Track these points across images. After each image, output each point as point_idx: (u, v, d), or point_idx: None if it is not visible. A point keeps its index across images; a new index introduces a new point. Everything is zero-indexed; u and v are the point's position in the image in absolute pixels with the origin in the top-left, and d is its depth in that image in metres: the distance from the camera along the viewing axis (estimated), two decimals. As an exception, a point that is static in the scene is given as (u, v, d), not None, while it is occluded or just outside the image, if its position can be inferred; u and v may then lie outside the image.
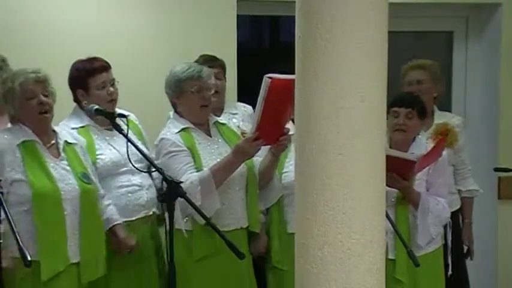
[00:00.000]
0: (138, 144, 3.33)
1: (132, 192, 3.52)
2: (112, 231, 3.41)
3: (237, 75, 4.59)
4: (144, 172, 3.42)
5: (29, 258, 2.55)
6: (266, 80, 3.22)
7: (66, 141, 3.32)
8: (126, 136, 3.16)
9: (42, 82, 3.22)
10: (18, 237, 2.58)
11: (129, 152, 3.23)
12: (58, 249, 3.14)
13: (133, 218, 3.51)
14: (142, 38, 4.55)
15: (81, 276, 3.21)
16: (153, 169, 3.11)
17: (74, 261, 3.20)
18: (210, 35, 4.59)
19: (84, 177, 3.27)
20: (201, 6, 4.64)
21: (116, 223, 3.41)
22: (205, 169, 3.34)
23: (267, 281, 3.69)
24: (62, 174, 3.21)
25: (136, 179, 3.54)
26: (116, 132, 3.39)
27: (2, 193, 2.71)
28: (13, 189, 3.11)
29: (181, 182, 3.03)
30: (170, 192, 2.94)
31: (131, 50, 4.49)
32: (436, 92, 4.15)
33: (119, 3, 4.56)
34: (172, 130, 3.47)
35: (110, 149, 3.52)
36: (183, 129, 3.47)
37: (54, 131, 3.33)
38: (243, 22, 5.02)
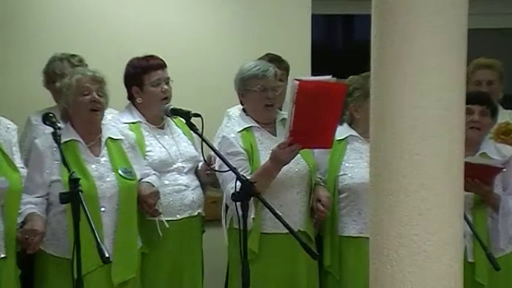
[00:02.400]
0: (184, 145, 3.36)
1: (177, 192, 3.54)
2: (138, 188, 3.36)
3: (311, 75, 4.57)
4: (217, 171, 3.43)
5: (106, 255, 2.59)
6: (294, 83, 3.17)
7: (110, 138, 3.34)
8: (201, 135, 3.18)
9: (99, 82, 3.27)
10: (96, 235, 2.63)
11: (177, 152, 3.25)
12: (93, 248, 3.13)
13: (177, 218, 3.53)
14: (216, 38, 4.59)
15: (113, 277, 3.21)
16: (227, 168, 3.12)
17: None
18: (284, 35, 4.59)
19: (125, 173, 3.28)
20: (275, 5, 4.65)
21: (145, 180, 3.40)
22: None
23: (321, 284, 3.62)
24: (102, 172, 3.24)
25: (184, 179, 3.55)
26: (165, 131, 3.45)
27: (81, 191, 2.76)
28: (52, 190, 3.17)
29: (255, 182, 3.03)
30: (243, 191, 2.95)
31: (204, 50, 4.54)
32: (501, 92, 4.08)
33: (194, 4, 4.61)
34: (235, 128, 3.48)
35: (159, 147, 3.55)
36: (245, 129, 3.46)
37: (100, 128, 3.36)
38: (317, 21, 5.00)
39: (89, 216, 2.69)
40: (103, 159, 3.28)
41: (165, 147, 3.54)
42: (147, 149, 3.52)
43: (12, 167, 3.10)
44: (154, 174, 3.47)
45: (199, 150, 3.41)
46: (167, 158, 3.52)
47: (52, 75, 3.85)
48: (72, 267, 2.72)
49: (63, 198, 2.80)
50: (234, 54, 4.46)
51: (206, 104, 3.83)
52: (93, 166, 3.23)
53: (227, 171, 3.11)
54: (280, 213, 3.25)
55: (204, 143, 3.20)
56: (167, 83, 3.59)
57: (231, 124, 3.53)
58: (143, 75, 3.55)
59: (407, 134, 2.05)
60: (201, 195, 3.62)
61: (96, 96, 3.24)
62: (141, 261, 3.37)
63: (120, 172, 3.26)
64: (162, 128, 3.59)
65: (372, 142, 2.16)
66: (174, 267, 3.53)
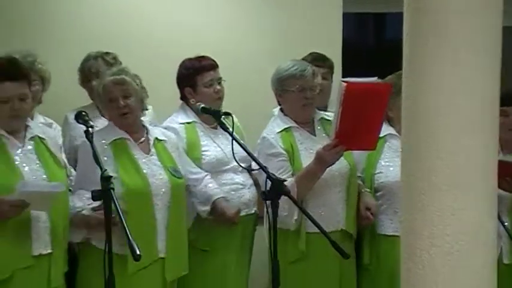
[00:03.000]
0: (242, 143, 3.36)
1: (234, 190, 3.57)
2: (214, 205, 3.43)
3: (342, 75, 4.55)
4: (249, 170, 3.44)
5: (138, 252, 2.60)
6: (342, 84, 3.17)
7: (156, 138, 3.38)
8: (231, 134, 3.19)
9: (121, 84, 3.29)
10: (128, 232, 2.65)
11: (230, 151, 3.25)
12: (147, 243, 3.16)
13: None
14: (248, 37, 4.59)
15: (166, 272, 3.24)
16: (257, 167, 3.12)
17: (161, 255, 3.24)
18: (315, 33, 4.58)
19: (174, 171, 3.31)
20: (306, 4, 4.63)
21: (216, 197, 3.44)
22: (291, 178, 3.31)
23: (359, 281, 3.62)
24: (153, 170, 3.27)
25: (239, 177, 3.58)
26: (219, 131, 3.45)
27: (113, 189, 2.78)
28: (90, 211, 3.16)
29: (285, 180, 3.03)
30: (274, 190, 2.95)
31: (236, 50, 4.54)
32: None
33: (225, 3, 4.62)
34: (274, 129, 3.48)
35: (215, 147, 3.58)
36: (285, 129, 3.46)
37: (144, 126, 3.40)
38: (348, 20, 4.98)
39: (121, 214, 2.70)
40: (153, 157, 3.32)
41: (220, 147, 3.58)
42: (203, 148, 3.57)
43: (58, 164, 3.14)
44: (211, 183, 3.50)
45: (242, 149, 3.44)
46: (223, 157, 3.55)
47: (87, 74, 3.90)
48: (104, 264, 2.73)
49: (95, 195, 2.82)
50: (265, 53, 4.47)
51: (238, 103, 3.84)
52: (145, 164, 3.27)
53: (257, 169, 3.11)
54: (322, 213, 3.30)
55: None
56: (219, 83, 3.63)
57: (271, 125, 3.52)
58: (196, 76, 3.59)
59: (440, 132, 2.03)
60: (255, 194, 3.65)
61: (121, 102, 3.27)
62: (202, 259, 3.42)
63: (170, 170, 3.30)
64: (215, 128, 3.61)
65: (404, 141, 2.15)
66: (236, 265, 3.57)
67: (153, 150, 3.34)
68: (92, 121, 3.09)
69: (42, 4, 4.45)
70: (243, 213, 3.58)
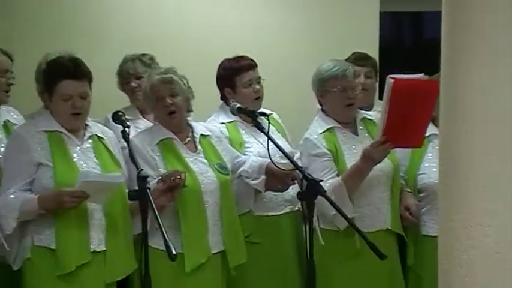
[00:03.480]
0: (279, 142, 3.35)
1: None
2: (268, 168, 3.40)
3: (379, 74, 4.52)
4: (287, 170, 3.43)
5: (174, 251, 2.62)
6: (389, 81, 3.13)
7: (201, 135, 3.41)
8: (267, 134, 3.19)
9: (169, 83, 3.32)
10: (164, 231, 2.66)
11: (274, 148, 3.23)
12: (200, 241, 3.22)
13: (279, 213, 3.58)
14: (284, 36, 4.59)
15: (230, 262, 3.30)
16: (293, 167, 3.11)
17: (216, 251, 3.28)
18: (351, 33, 4.55)
19: (221, 168, 3.34)
20: (343, 3, 4.61)
21: (268, 162, 3.41)
22: (337, 178, 3.30)
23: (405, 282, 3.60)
24: (201, 168, 3.30)
25: None
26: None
27: (149, 188, 2.80)
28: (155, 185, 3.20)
29: (321, 181, 3.01)
30: (310, 190, 2.94)
31: (273, 49, 4.54)
32: None
33: (260, 2, 4.62)
34: (317, 130, 3.47)
35: (257, 144, 3.60)
36: (327, 130, 3.45)
37: (189, 124, 3.42)
38: (385, 19, 4.94)
39: (157, 213, 2.72)
40: (200, 155, 3.35)
41: (262, 144, 3.58)
42: (246, 145, 3.59)
43: (116, 163, 3.19)
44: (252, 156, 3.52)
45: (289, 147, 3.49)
46: (266, 153, 3.55)
47: (125, 76, 3.93)
48: (140, 263, 2.74)
49: (132, 195, 2.84)
50: (301, 53, 4.46)
51: (274, 104, 3.84)
52: (194, 162, 3.31)
53: (293, 169, 3.10)
54: (368, 213, 3.30)
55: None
56: (259, 83, 3.64)
57: (313, 125, 3.51)
58: (235, 77, 3.61)
59: (478, 133, 2.00)
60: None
61: (168, 101, 3.30)
62: (252, 251, 3.44)
63: (217, 167, 3.33)
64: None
65: (441, 141, 2.12)
66: (276, 260, 3.56)
67: (199, 148, 3.37)
68: (128, 121, 3.12)
69: (81, 7, 4.50)
70: (286, 210, 3.59)
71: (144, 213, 2.79)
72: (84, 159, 3.09)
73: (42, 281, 3.01)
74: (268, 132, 3.19)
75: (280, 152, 3.29)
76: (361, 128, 3.52)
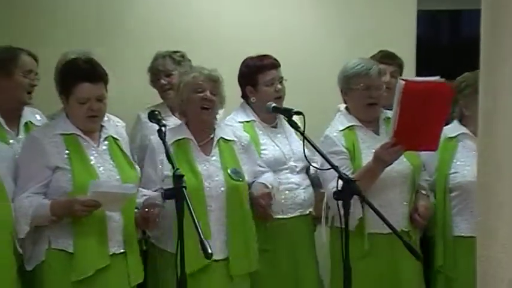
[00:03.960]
0: (297, 144, 3.35)
1: (289, 190, 3.56)
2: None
3: (415, 73, 4.48)
4: (318, 168, 3.40)
5: (209, 251, 2.61)
6: (400, 83, 3.12)
7: (222, 138, 3.39)
8: (302, 133, 3.18)
9: (214, 81, 3.33)
10: (200, 231, 2.66)
11: (290, 151, 3.24)
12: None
13: (289, 216, 3.56)
14: (321, 36, 4.57)
15: (231, 270, 3.25)
16: (328, 166, 3.09)
17: (221, 257, 3.24)
18: (388, 31, 4.52)
19: (234, 174, 3.31)
20: (379, 1, 4.58)
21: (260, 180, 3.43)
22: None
23: (430, 284, 3.56)
24: (211, 171, 3.29)
25: (296, 177, 3.57)
26: (278, 130, 3.46)
27: (185, 187, 2.80)
28: (164, 185, 3.22)
29: (357, 180, 2.99)
30: (346, 190, 2.92)
31: (307, 48, 4.54)
32: None
33: (294, 2, 4.62)
34: (337, 127, 3.46)
35: (273, 146, 3.58)
36: (348, 127, 3.43)
37: (214, 128, 3.41)
38: (422, 17, 4.90)
39: (193, 213, 2.71)
40: (213, 158, 3.34)
41: (278, 146, 3.57)
42: (262, 147, 3.58)
43: (130, 165, 3.21)
44: (269, 172, 3.51)
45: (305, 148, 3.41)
46: (281, 156, 3.55)
47: (156, 73, 3.95)
48: (176, 264, 2.74)
49: (167, 194, 2.85)
50: (338, 51, 4.44)
51: (309, 103, 3.83)
52: (203, 165, 3.30)
53: (329, 169, 3.09)
54: (383, 213, 3.21)
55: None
56: (281, 82, 3.63)
57: (334, 122, 3.50)
58: (257, 75, 3.60)
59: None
60: (311, 194, 3.64)
61: (209, 95, 3.30)
62: (263, 257, 3.42)
63: (229, 172, 3.31)
64: (275, 127, 3.63)
65: (480, 140, 2.09)
66: (288, 265, 3.55)
67: (214, 150, 3.36)
68: (165, 120, 3.13)
69: (112, 4, 4.52)
70: (296, 214, 3.58)
71: (180, 212, 2.78)
72: (101, 162, 3.09)
73: (59, 284, 3.00)
74: (304, 131, 3.18)
75: (296, 155, 3.29)
76: (383, 127, 3.49)
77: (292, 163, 3.55)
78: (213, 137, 3.38)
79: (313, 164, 3.31)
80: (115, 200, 2.98)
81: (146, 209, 3.07)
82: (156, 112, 3.13)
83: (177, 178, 2.79)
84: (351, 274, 2.87)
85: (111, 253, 3.03)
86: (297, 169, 3.59)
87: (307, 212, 3.62)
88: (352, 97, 3.46)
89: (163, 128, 3.04)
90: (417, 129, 3.16)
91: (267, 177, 3.48)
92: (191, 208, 2.72)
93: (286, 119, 3.32)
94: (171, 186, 2.97)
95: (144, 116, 3.62)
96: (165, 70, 3.92)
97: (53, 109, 3.58)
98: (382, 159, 3.22)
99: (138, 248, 3.19)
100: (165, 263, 3.24)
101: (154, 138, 3.28)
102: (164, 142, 2.99)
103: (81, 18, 4.47)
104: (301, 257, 3.59)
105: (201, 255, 2.87)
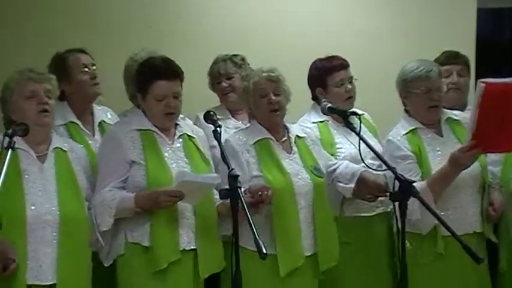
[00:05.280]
0: (371, 143, 3.31)
1: None
2: (362, 177, 3.42)
3: (475, 72, 4.40)
4: (378, 170, 3.38)
5: (264, 250, 2.60)
6: (480, 85, 3.07)
7: (297, 136, 3.41)
8: (358, 134, 3.15)
9: (274, 81, 3.33)
10: (254, 230, 2.66)
11: (366, 149, 3.20)
12: (294, 243, 3.22)
13: (371, 214, 3.57)
14: (379, 35, 4.54)
15: (320, 265, 3.28)
16: (385, 168, 3.06)
17: (308, 254, 3.27)
18: (447, 30, 4.46)
19: (316, 171, 3.33)
20: (439, 1, 4.53)
21: (362, 170, 3.42)
22: (422, 182, 3.22)
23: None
24: (296, 169, 3.30)
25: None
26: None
27: (239, 187, 2.80)
28: (252, 184, 3.21)
29: (414, 182, 2.95)
30: (403, 191, 2.88)
31: (367, 48, 4.51)
32: None
33: (355, 4, 4.60)
34: (400, 131, 3.42)
35: (349, 145, 3.59)
36: (410, 131, 3.40)
37: (285, 126, 3.43)
38: (482, 15, 4.80)
39: (248, 213, 2.71)
40: (295, 156, 3.35)
41: (354, 145, 3.56)
42: (338, 146, 3.59)
43: (206, 162, 3.24)
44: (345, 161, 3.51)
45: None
46: (357, 154, 3.51)
47: (217, 76, 3.97)
48: (231, 262, 2.74)
49: (223, 194, 2.86)
50: (396, 51, 4.40)
51: (372, 106, 3.81)
52: (289, 163, 3.31)
53: (385, 170, 3.06)
54: (450, 216, 3.22)
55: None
56: (351, 82, 3.63)
57: (396, 127, 3.46)
58: (326, 77, 3.61)
59: None
60: None
61: (273, 97, 3.31)
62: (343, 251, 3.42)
63: (312, 169, 3.32)
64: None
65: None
66: (367, 262, 3.56)
67: (294, 149, 3.37)
68: (220, 121, 3.15)
69: (171, 5, 4.56)
70: (379, 211, 3.57)
71: (235, 211, 2.80)
72: (174, 159, 3.13)
73: (135, 277, 3.07)
74: (359, 132, 3.15)
75: (372, 153, 3.25)
76: (446, 128, 3.44)
77: (369, 161, 3.51)
78: (289, 135, 3.41)
79: (368, 164, 3.26)
80: (197, 190, 3.02)
81: (260, 193, 3.09)
82: (212, 113, 3.16)
83: (233, 178, 2.81)
84: (407, 275, 2.81)
85: (181, 249, 3.07)
86: (374, 167, 3.54)
87: (389, 209, 3.58)
88: (413, 101, 3.42)
89: (218, 129, 3.06)
90: (495, 132, 3.13)
91: (359, 166, 3.45)
92: (246, 208, 2.73)
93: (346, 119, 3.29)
94: (258, 184, 3.11)
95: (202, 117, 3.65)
96: (226, 73, 3.93)
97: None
98: (459, 162, 3.19)
99: (214, 243, 3.18)
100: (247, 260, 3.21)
101: (232, 139, 3.33)
102: (219, 143, 3.01)
103: (142, 20, 4.51)
104: (380, 254, 3.58)
105: (294, 255, 3.03)
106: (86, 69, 3.55)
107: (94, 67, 3.58)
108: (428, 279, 3.31)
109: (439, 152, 3.31)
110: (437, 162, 3.29)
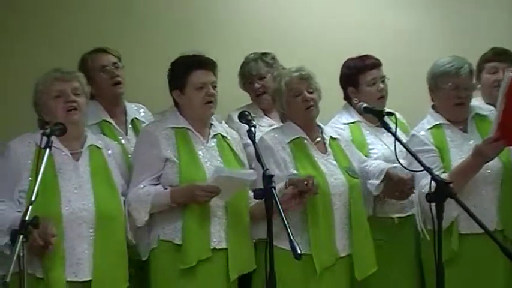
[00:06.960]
0: (405, 143, 3.28)
1: None
2: (388, 174, 3.38)
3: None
4: (412, 170, 3.34)
5: (299, 251, 2.60)
6: (508, 75, 3.02)
7: (331, 137, 3.39)
8: (394, 134, 3.12)
9: (306, 79, 3.33)
10: (289, 231, 2.65)
11: (399, 149, 3.17)
12: (328, 243, 3.21)
13: (405, 215, 3.54)
14: (425, 36, 4.53)
15: (356, 269, 3.25)
16: (418, 167, 3.03)
17: (343, 254, 3.25)
18: (485, 30, 4.41)
19: (351, 171, 3.31)
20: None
21: (389, 167, 3.39)
22: (444, 174, 3.17)
23: None
24: (331, 170, 3.29)
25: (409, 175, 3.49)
26: (383, 129, 3.37)
27: (274, 187, 2.79)
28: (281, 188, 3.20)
29: (451, 182, 2.90)
30: (439, 192, 2.85)
31: (408, 52, 4.50)
32: None
33: (393, 4, 4.57)
34: (425, 126, 3.39)
35: (381, 145, 3.57)
36: (435, 126, 3.36)
37: (319, 126, 3.41)
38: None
39: (282, 213, 2.70)
40: (330, 156, 3.35)
41: (386, 145, 3.54)
42: (370, 146, 3.57)
43: (239, 162, 3.26)
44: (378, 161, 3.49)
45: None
46: (390, 154, 3.51)
47: (248, 76, 3.96)
48: (266, 260, 2.72)
49: (258, 194, 2.85)
50: (442, 52, 4.34)
51: (412, 106, 3.76)
52: (324, 163, 3.31)
53: (421, 171, 3.02)
54: (474, 213, 3.13)
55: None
56: (383, 81, 3.61)
57: (422, 122, 3.44)
58: (358, 76, 3.60)
59: None
60: None
61: (307, 95, 3.31)
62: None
63: (347, 170, 3.32)
64: (379, 126, 3.57)
65: None
66: (399, 263, 3.54)
67: (329, 149, 3.36)
68: (254, 120, 3.14)
69: (205, 6, 4.56)
70: (409, 213, 3.53)
71: (269, 211, 2.79)
72: (208, 158, 3.15)
73: (166, 274, 3.09)
74: (396, 132, 3.12)
75: (405, 153, 3.22)
76: (472, 125, 3.39)
77: (402, 161, 3.49)
78: (323, 136, 3.40)
79: (403, 164, 3.23)
80: (233, 186, 3.04)
81: (306, 182, 3.08)
82: (247, 113, 3.15)
83: (267, 178, 2.80)
84: (444, 279, 2.78)
85: (212, 247, 3.09)
86: (409, 167, 3.52)
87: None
88: (440, 96, 3.39)
89: (253, 129, 3.06)
90: None
91: (388, 164, 3.42)
92: (280, 208, 2.72)
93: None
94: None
95: (236, 117, 3.65)
96: (258, 74, 3.92)
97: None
98: (483, 154, 3.14)
99: (246, 242, 3.20)
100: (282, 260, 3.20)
101: (267, 137, 3.32)
102: (254, 142, 3.01)
103: (175, 21, 4.51)
104: (411, 255, 3.55)
105: (328, 254, 3.05)
106: (107, 69, 3.56)
107: (116, 66, 3.58)
108: (454, 279, 3.24)
109: (462, 148, 3.27)
110: (458, 158, 3.25)
